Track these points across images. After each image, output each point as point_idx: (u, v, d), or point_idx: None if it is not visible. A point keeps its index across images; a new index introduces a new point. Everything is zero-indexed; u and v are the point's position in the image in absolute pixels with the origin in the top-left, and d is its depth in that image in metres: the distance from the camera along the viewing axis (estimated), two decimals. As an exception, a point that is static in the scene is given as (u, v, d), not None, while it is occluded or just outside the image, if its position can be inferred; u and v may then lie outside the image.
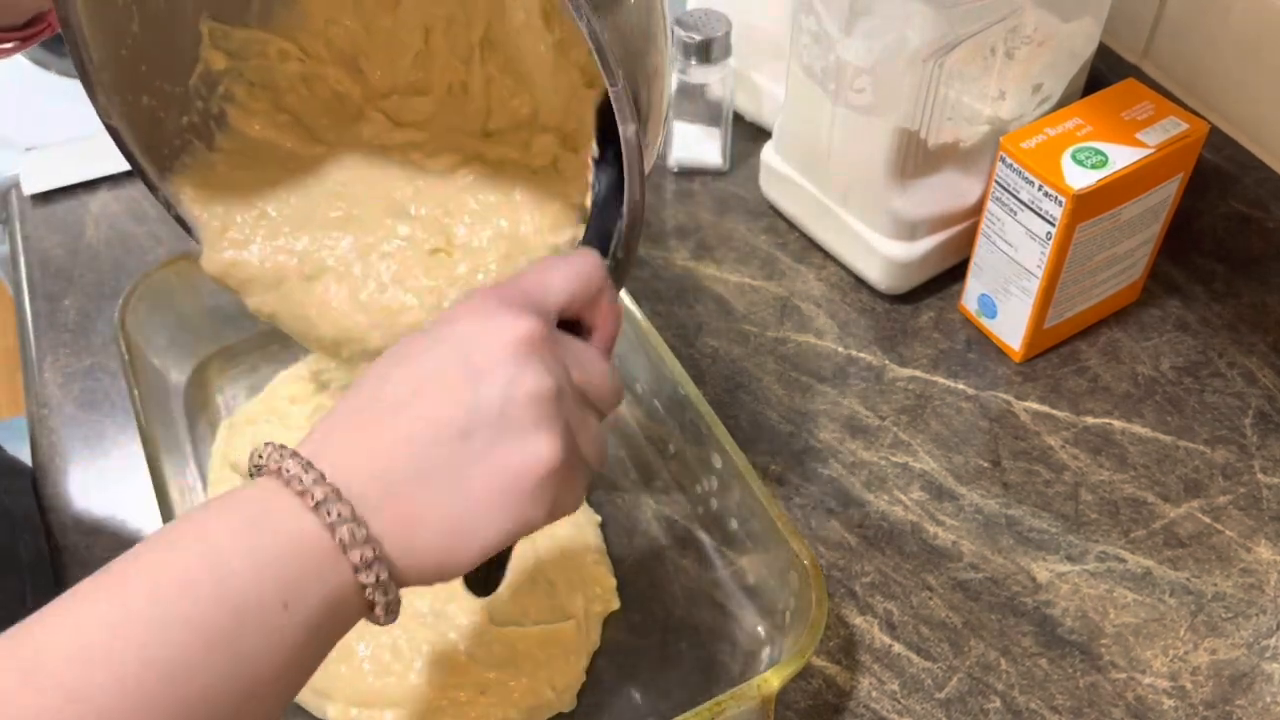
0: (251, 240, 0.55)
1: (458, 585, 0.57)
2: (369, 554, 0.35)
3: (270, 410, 0.66)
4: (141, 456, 0.57)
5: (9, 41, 0.51)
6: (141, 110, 0.53)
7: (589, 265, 0.43)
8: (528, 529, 0.38)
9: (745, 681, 0.49)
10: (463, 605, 0.57)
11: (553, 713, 0.55)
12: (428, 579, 0.38)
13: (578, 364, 0.41)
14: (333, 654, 0.54)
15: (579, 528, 0.61)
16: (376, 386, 0.38)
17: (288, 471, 0.35)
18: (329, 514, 0.35)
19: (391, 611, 0.37)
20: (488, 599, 0.57)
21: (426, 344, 0.39)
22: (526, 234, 0.53)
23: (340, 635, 0.37)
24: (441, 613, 0.56)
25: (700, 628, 0.58)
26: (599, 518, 0.62)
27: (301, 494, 0.35)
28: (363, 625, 0.55)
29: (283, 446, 0.37)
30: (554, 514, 0.39)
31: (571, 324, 0.43)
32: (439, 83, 0.57)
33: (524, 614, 0.57)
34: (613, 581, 0.59)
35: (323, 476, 0.35)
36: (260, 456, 0.37)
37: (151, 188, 0.54)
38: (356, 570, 0.35)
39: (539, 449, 0.38)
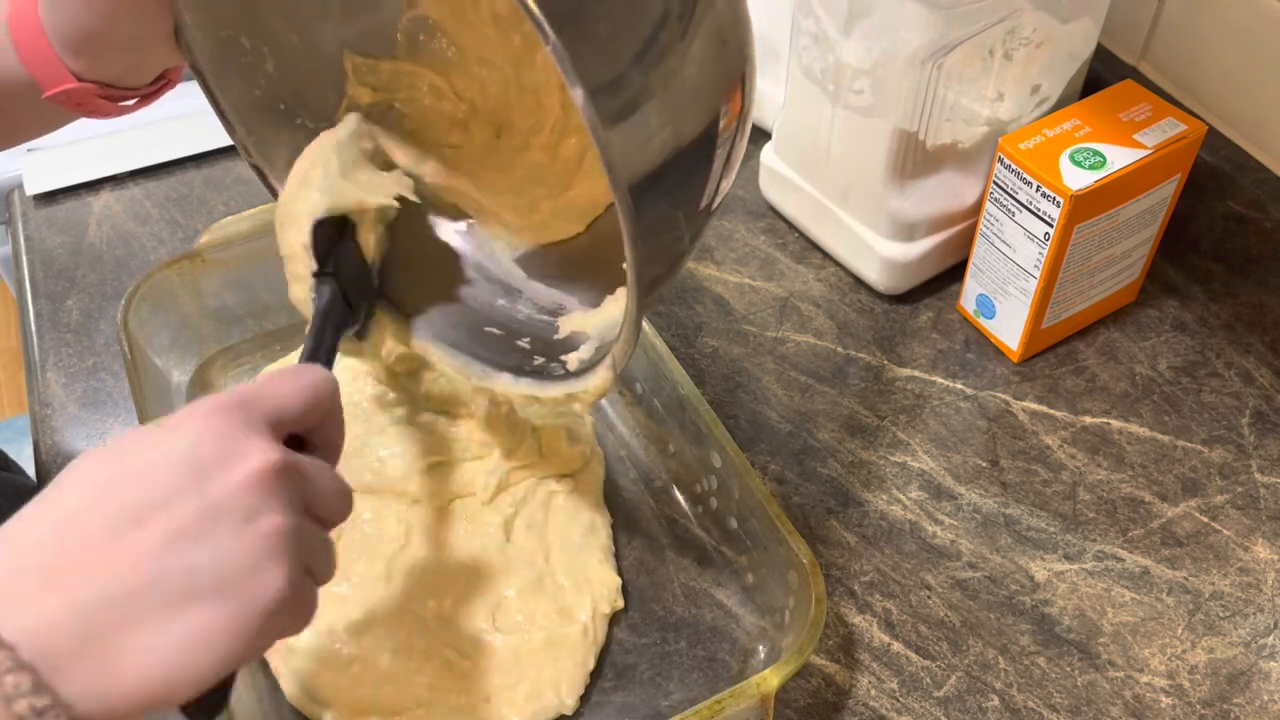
0: None
1: (461, 589, 0.58)
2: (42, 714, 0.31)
3: None
4: (144, 456, 0.57)
5: (134, 98, 0.51)
6: (281, 149, 0.54)
7: (321, 381, 0.42)
8: (245, 662, 0.36)
9: (745, 680, 0.49)
10: (467, 613, 0.56)
11: (554, 715, 0.55)
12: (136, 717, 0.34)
13: (313, 486, 0.39)
14: (331, 661, 0.54)
15: (594, 530, 0.61)
16: (85, 505, 0.34)
17: None
18: (3, 684, 0.31)
19: None
20: (495, 606, 0.57)
21: (154, 456, 0.36)
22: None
23: None
24: (445, 620, 0.56)
25: (700, 627, 0.58)
26: (610, 518, 0.62)
27: None
28: (362, 634, 0.55)
29: None
30: (277, 639, 0.37)
31: (297, 436, 0.43)
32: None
33: (531, 620, 0.57)
34: (618, 581, 0.59)
35: (14, 662, 0.31)
36: None
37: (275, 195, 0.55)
38: None
39: (269, 584, 0.35)
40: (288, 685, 0.55)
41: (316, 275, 0.51)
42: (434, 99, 0.57)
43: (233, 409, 0.38)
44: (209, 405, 0.38)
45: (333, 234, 0.51)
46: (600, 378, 0.48)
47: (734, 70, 0.40)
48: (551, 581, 0.58)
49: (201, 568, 0.34)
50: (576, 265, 0.57)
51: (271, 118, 0.54)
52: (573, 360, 0.51)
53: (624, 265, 0.39)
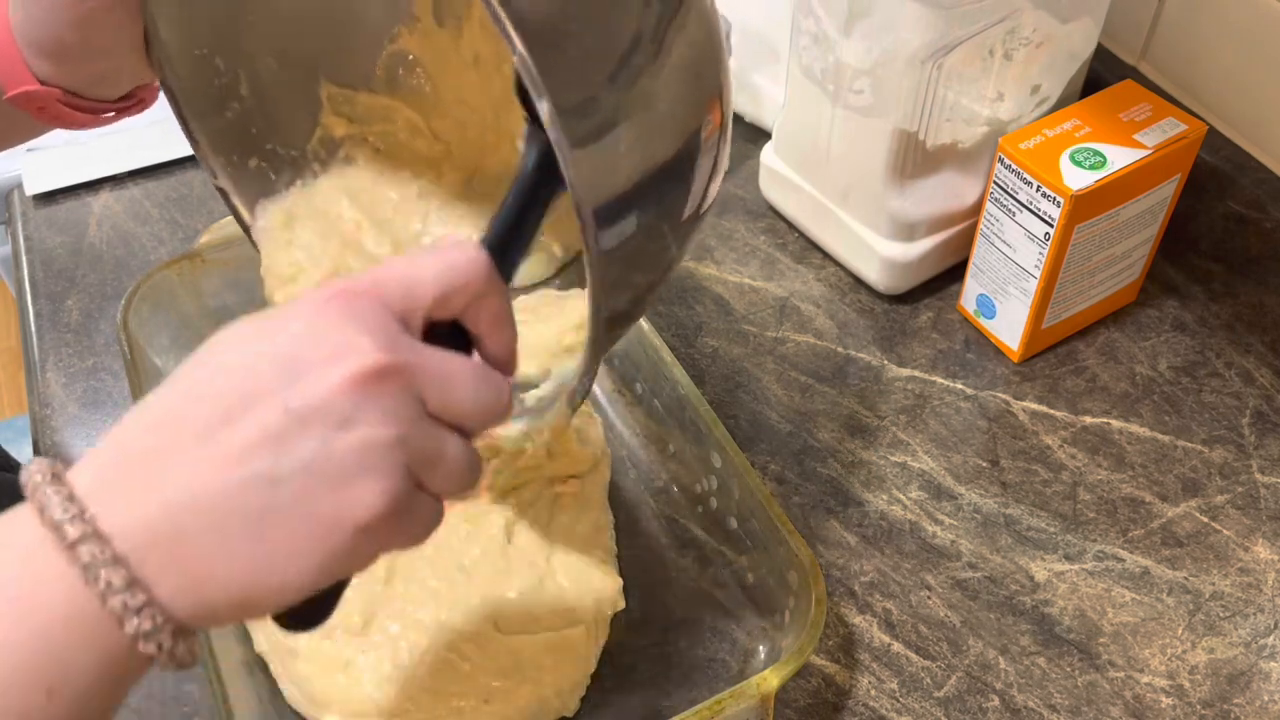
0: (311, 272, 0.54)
1: (462, 590, 0.57)
2: (147, 624, 0.31)
3: None
4: (144, 456, 0.57)
5: (109, 111, 0.50)
6: (249, 172, 0.53)
7: (465, 260, 0.36)
8: (344, 575, 0.35)
9: (745, 680, 0.49)
10: (468, 614, 0.56)
11: (555, 717, 0.55)
12: (222, 624, 0.34)
13: (441, 387, 0.35)
14: (331, 663, 0.54)
15: (597, 531, 0.61)
16: (183, 399, 0.33)
17: (53, 520, 0.31)
18: (99, 580, 0.30)
19: (181, 662, 0.32)
20: (497, 608, 0.57)
21: (250, 348, 0.34)
22: None
23: (127, 687, 0.33)
24: (446, 622, 0.56)
25: (700, 627, 0.58)
26: (612, 518, 0.62)
27: (69, 549, 0.30)
28: (362, 637, 0.55)
29: (56, 474, 0.32)
30: (381, 554, 0.35)
31: (453, 326, 0.37)
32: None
33: (533, 622, 0.56)
34: (619, 581, 0.59)
35: (93, 532, 0.30)
36: (31, 484, 0.32)
37: (248, 232, 0.54)
38: (135, 640, 0.31)
39: (360, 499, 0.32)
40: (288, 687, 0.55)
41: (531, 124, 0.42)
42: (409, 135, 0.56)
43: (351, 297, 0.34)
44: (327, 292, 0.34)
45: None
46: (556, 414, 0.46)
47: (710, 86, 0.40)
48: (553, 582, 0.58)
49: (284, 478, 0.32)
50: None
51: (241, 141, 0.53)
52: (531, 397, 0.50)
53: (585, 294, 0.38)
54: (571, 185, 0.34)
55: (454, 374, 0.35)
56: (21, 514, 0.32)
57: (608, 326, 0.39)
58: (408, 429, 0.34)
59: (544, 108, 0.33)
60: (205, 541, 0.32)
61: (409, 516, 0.35)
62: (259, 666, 0.56)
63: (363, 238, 0.55)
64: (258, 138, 0.53)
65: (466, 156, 0.57)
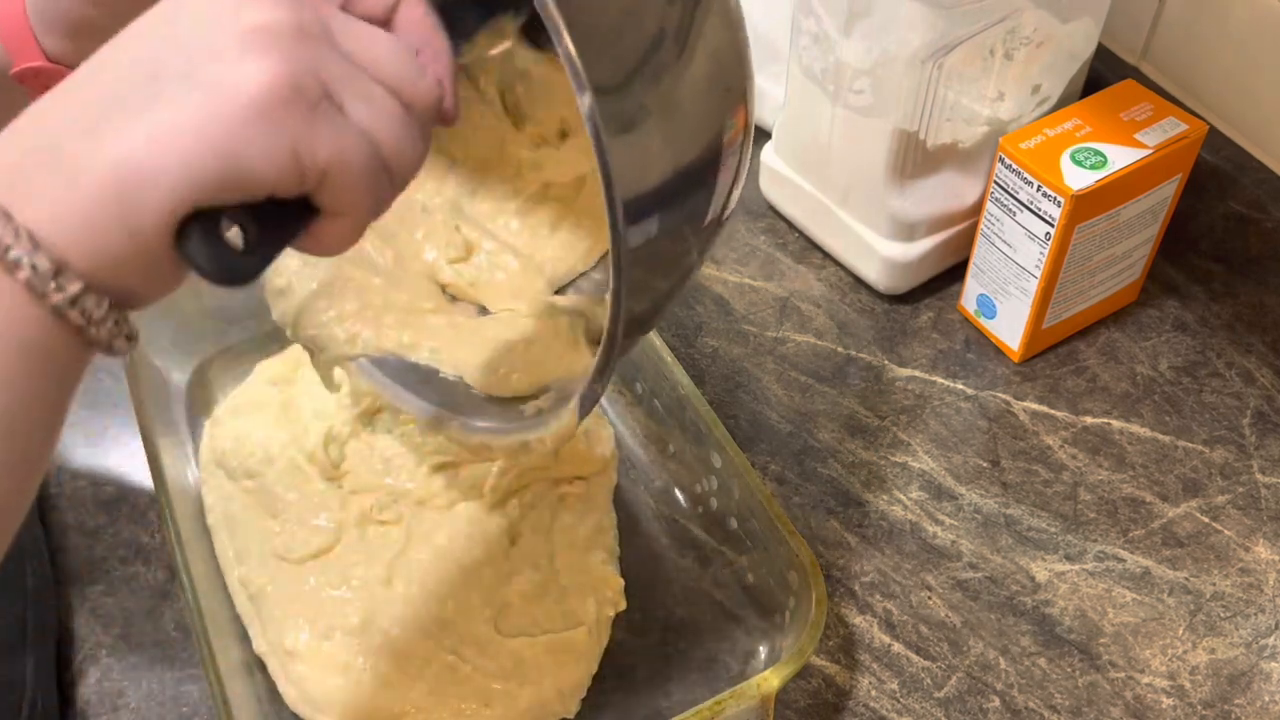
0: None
1: (463, 592, 0.57)
2: (10, 238, 0.28)
3: (251, 400, 0.66)
4: (143, 456, 0.57)
5: None
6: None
7: None
8: (239, 177, 0.30)
9: (745, 680, 0.49)
10: (468, 617, 0.56)
11: (556, 719, 0.55)
12: (121, 257, 0.30)
13: (358, 36, 0.33)
14: (329, 665, 0.54)
15: (600, 532, 0.60)
16: (67, 81, 0.31)
17: None
18: None
19: (96, 320, 0.30)
20: (498, 609, 0.56)
21: (139, 23, 0.32)
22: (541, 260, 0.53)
23: (66, 371, 0.31)
24: (447, 624, 0.56)
25: (700, 627, 0.58)
26: (615, 519, 0.62)
27: None
28: (361, 638, 0.55)
29: None
30: (296, 174, 0.31)
31: None
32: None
33: (534, 624, 0.56)
34: (621, 582, 0.59)
35: None
36: None
37: None
38: (8, 270, 0.28)
39: (251, 70, 0.29)
40: (286, 688, 0.55)
41: None
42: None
43: None
44: None
45: None
46: (564, 422, 0.45)
47: (735, 86, 0.40)
48: (555, 584, 0.58)
49: (167, 66, 0.29)
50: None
51: None
52: (531, 408, 0.50)
53: (606, 297, 0.38)
54: (607, 173, 0.34)
55: (373, 32, 0.33)
56: None
57: (626, 331, 0.39)
58: (310, 24, 0.31)
59: (584, 100, 0.33)
60: (81, 143, 0.29)
61: (323, 119, 0.31)
62: (258, 667, 0.56)
63: (364, 243, 0.54)
64: None
65: (470, 174, 0.56)
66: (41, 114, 0.31)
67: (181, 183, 0.29)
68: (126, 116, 0.29)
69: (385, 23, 0.35)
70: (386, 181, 0.33)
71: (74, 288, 0.29)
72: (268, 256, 0.32)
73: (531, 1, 0.34)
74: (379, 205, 0.34)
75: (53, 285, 0.29)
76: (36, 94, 0.47)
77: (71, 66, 0.45)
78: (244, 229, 0.31)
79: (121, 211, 0.29)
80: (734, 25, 0.39)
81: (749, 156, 0.41)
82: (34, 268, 0.28)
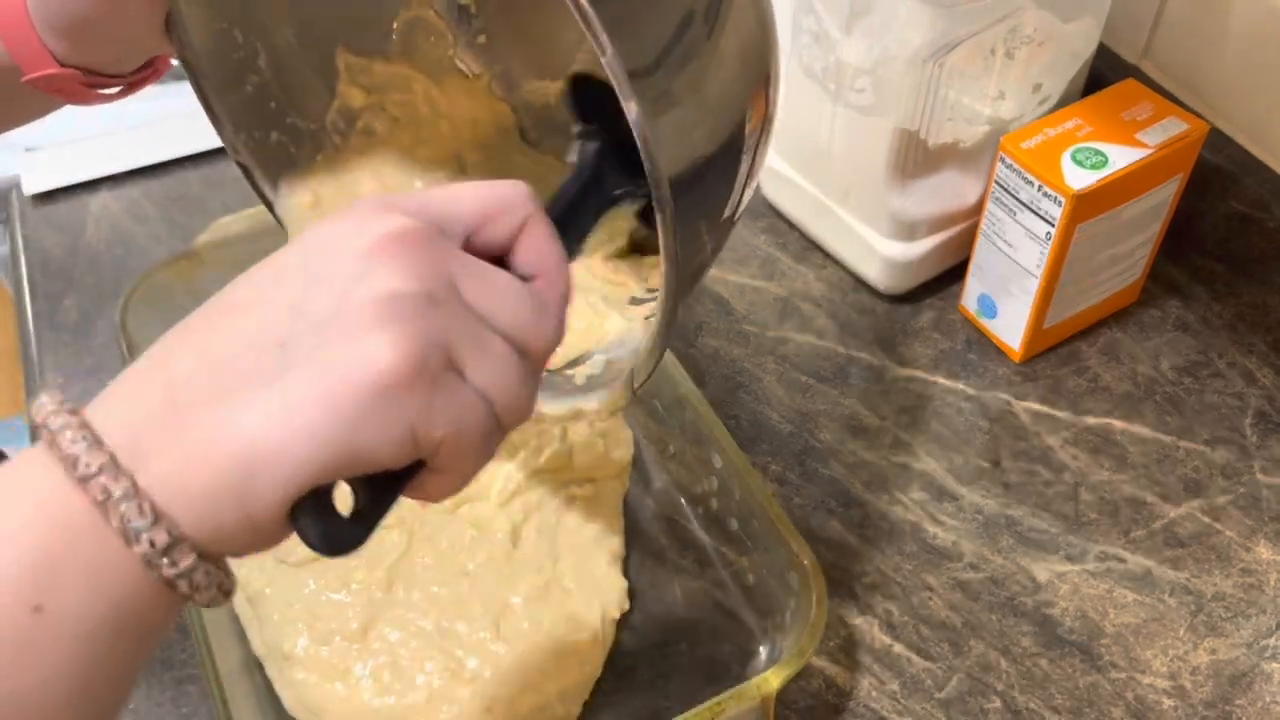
0: None
1: (465, 596, 0.57)
2: (134, 513, 0.28)
3: None
4: (142, 456, 0.57)
5: (117, 85, 0.49)
6: (270, 147, 0.52)
7: (510, 189, 0.34)
8: (357, 458, 0.29)
9: (745, 681, 0.49)
10: (470, 621, 0.56)
11: None
12: (234, 532, 0.29)
13: (484, 285, 0.32)
14: (328, 671, 0.54)
15: (607, 534, 0.60)
16: (200, 311, 0.31)
17: (41, 415, 0.29)
18: (81, 467, 0.27)
19: (200, 586, 0.29)
20: (500, 614, 0.56)
21: (280, 251, 0.32)
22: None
23: (153, 631, 0.30)
24: (447, 630, 0.56)
25: (700, 628, 0.58)
26: (623, 521, 0.62)
27: (50, 445, 0.28)
28: (360, 644, 0.55)
29: (70, 407, 0.30)
30: (417, 439, 0.30)
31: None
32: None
33: (537, 627, 0.56)
34: (625, 584, 0.58)
35: (82, 422, 0.29)
36: (35, 407, 0.30)
37: (271, 209, 0.54)
38: (126, 540, 0.28)
39: (375, 350, 0.29)
40: (284, 692, 0.54)
41: (581, 134, 0.43)
42: (430, 110, 0.56)
43: (379, 201, 0.32)
44: (359, 202, 0.32)
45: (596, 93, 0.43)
46: (615, 394, 0.45)
47: (759, 73, 0.40)
48: (559, 587, 0.57)
49: (297, 335, 0.29)
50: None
51: (261, 116, 0.52)
52: (580, 375, 0.49)
53: (656, 269, 0.38)
54: (649, 149, 0.33)
55: (494, 276, 0.32)
56: (34, 451, 0.30)
57: (682, 295, 0.39)
58: (438, 292, 0.30)
59: (627, 99, 0.33)
60: (203, 412, 0.29)
61: (443, 395, 0.30)
62: (258, 667, 0.56)
63: None
64: (277, 111, 0.53)
65: (485, 139, 0.56)
66: (168, 363, 0.30)
67: (305, 464, 0.29)
68: (256, 391, 0.29)
69: (509, 248, 0.35)
70: (498, 436, 0.33)
71: (186, 562, 0.29)
72: (375, 522, 0.33)
73: (646, 182, 0.34)
74: (488, 460, 0.33)
75: (166, 560, 0.28)
76: (48, 94, 0.47)
77: (75, 65, 0.46)
78: (354, 496, 0.32)
79: (243, 487, 0.29)
80: (762, 12, 0.39)
81: (768, 151, 0.41)
82: (152, 543, 0.28)
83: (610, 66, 0.33)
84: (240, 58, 0.51)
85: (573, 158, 0.43)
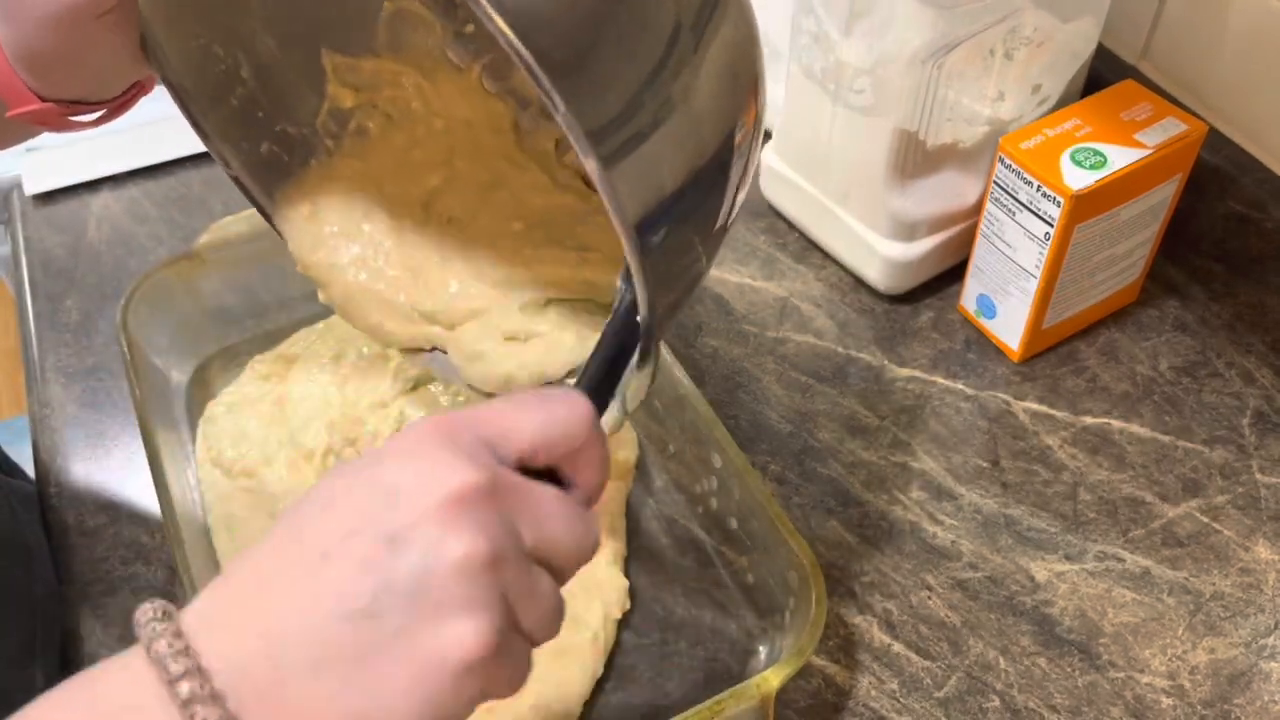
0: (342, 250, 0.53)
1: None
2: None
3: (244, 397, 0.66)
4: (143, 456, 0.57)
5: (100, 110, 0.49)
6: (261, 157, 0.52)
7: (572, 413, 0.36)
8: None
9: (745, 681, 0.49)
10: None
11: None
12: None
13: (535, 519, 0.34)
14: None
15: (611, 535, 0.60)
16: (288, 536, 0.33)
17: (157, 654, 0.31)
18: (195, 716, 0.30)
19: None
20: None
21: (348, 486, 0.33)
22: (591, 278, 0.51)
23: None
24: None
25: (700, 627, 0.58)
26: (625, 521, 0.62)
27: (170, 684, 0.30)
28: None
29: (166, 612, 0.32)
30: (482, 701, 0.33)
31: (546, 470, 0.37)
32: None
33: None
34: (626, 583, 0.58)
35: (196, 667, 0.30)
36: (139, 622, 0.32)
37: (269, 219, 0.53)
38: None
39: (462, 634, 0.31)
40: None
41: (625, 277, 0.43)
42: (422, 104, 0.55)
43: (449, 430, 0.34)
44: (424, 426, 0.34)
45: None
46: (609, 416, 0.43)
47: (749, 80, 0.39)
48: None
49: (383, 611, 0.31)
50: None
51: (250, 127, 0.52)
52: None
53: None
54: (608, 201, 0.33)
55: (548, 506, 0.35)
56: (133, 653, 0.32)
57: (662, 320, 0.38)
58: (505, 550, 0.33)
59: (581, 147, 0.32)
60: (302, 681, 0.31)
61: (508, 658, 0.33)
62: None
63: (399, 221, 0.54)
64: (265, 121, 0.52)
65: (480, 142, 0.55)
66: (265, 610, 0.32)
67: None
68: (352, 668, 0.31)
69: (568, 466, 0.37)
70: (531, 661, 0.36)
71: None
72: None
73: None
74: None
75: None
76: (34, 125, 0.47)
77: (49, 98, 0.46)
78: None
79: None
80: (747, 18, 0.38)
81: (759, 154, 0.40)
82: None
83: (564, 123, 0.32)
84: (222, 71, 0.50)
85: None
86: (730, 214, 0.40)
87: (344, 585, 0.31)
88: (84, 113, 0.48)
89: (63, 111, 0.47)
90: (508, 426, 0.35)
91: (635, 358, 0.41)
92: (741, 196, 0.40)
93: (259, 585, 0.32)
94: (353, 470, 0.34)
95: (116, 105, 0.50)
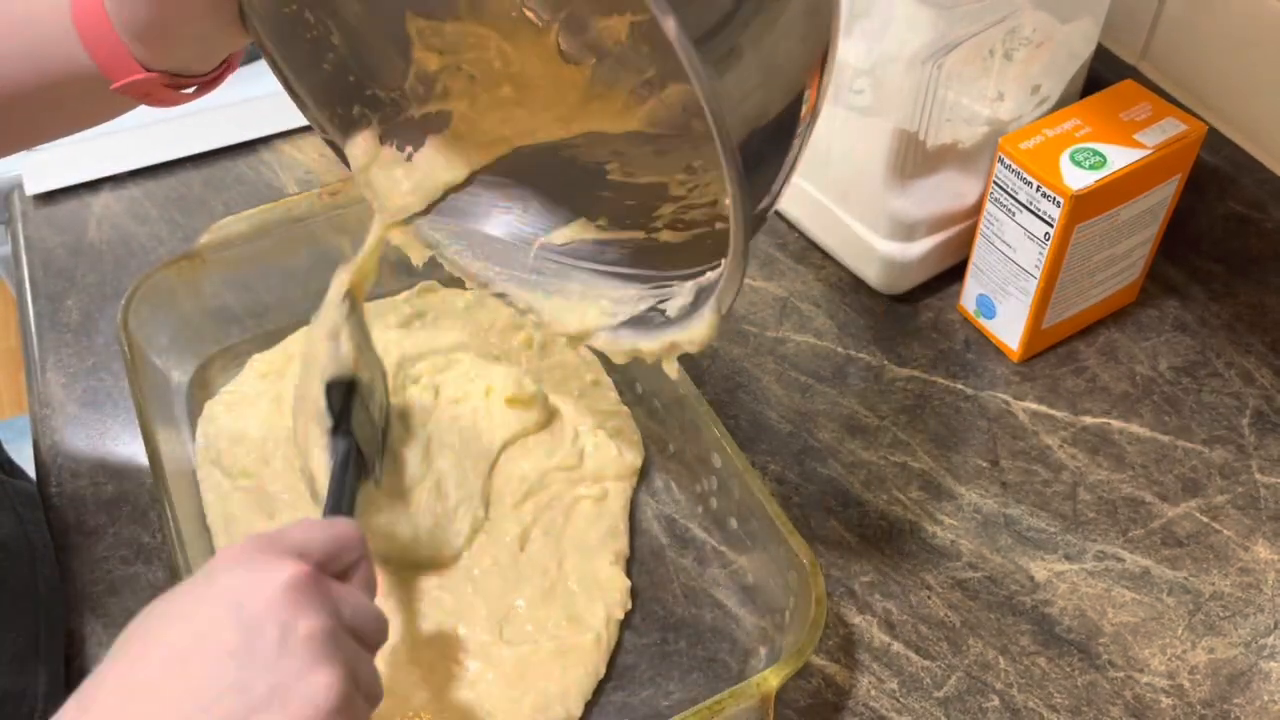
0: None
1: (468, 600, 0.57)
2: None
3: (242, 395, 0.66)
4: (144, 456, 0.58)
5: (196, 84, 0.50)
6: (354, 120, 0.53)
7: (347, 530, 0.44)
8: None
9: (745, 680, 0.49)
10: (473, 625, 0.56)
11: None
12: None
13: (348, 603, 0.41)
14: None
15: (614, 535, 0.60)
16: (140, 654, 0.37)
17: None
18: None
19: None
20: (505, 618, 0.56)
21: (192, 600, 0.38)
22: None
23: None
24: (450, 634, 0.55)
25: (700, 627, 0.58)
26: (628, 522, 0.62)
27: None
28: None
29: None
30: None
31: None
32: None
33: (540, 629, 0.56)
34: (627, 583, 0.58)
35: None
36: None
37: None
38: None
39: (328, 683, 0.37)
40: None
41: (333, 432, 0.54)
42: (503, 64, 0.54)
43: (259, 545, 0.40)
44: (236, 546, 0.40)
45: (344, 395, 0.56)
46: (706, 323, 0.45)
47: (821, 40, 0.39)
48: (563, 588, 0.57)
49: (253, 682, 0.36)
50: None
51: (342, 91, 0.53)
52: (673, 307, 0.48)
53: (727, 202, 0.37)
54: (710, 102, 0.34)
55: (353, 595, 0.42)
56: None
57: (755, 226, 0.39)
58: (338, 622, 0.39)
59: (669, 25, 0.33)
60: None
61: (358, 711, 0.39)
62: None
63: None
64: (356, 85, 0.53)
65: (556, 99, 0.55)
66: None
67: None
68: None
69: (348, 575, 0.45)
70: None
71: None
72: None
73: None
74: None
75: None
76: (135, 99, 0.49)
77: (150, 68, 0.47)
78: None
79: None
80: None
81: (808, 142, 0.41)
82: None
83: (673, 36, 0.33)
84: (314, 37, 0.51)
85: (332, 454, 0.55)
86: (776, 197, 0.40)
87: (211, 674, 0.36)
88: (184, 86, 0.50)
89: (165, 82, 0.48)
90: (304, 542, 0.42)
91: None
92: (788, 186, 0.41)
93: (125, 700, 0.36)
94: (189, 589, 0.39)
95: (210, 80, 0.51)
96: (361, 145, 0.54)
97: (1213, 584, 0.60)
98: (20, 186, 0.83)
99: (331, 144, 0.55)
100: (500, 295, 0.55)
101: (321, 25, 0.51)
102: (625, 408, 0.66)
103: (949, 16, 0.60)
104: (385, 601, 0.56)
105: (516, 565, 0.58)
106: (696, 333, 0.45)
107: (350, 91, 0.53)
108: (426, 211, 0.55)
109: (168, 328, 0.67)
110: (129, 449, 0.67)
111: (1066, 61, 0.69)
